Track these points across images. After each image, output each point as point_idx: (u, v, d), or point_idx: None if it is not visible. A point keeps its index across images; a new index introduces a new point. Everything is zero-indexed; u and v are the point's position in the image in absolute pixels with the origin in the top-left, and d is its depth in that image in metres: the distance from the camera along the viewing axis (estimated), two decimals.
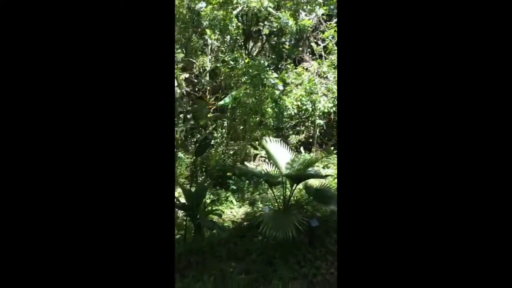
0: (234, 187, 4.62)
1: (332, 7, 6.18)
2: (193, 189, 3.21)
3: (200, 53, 6.06)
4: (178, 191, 4.15)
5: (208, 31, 5.58)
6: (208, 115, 3.56)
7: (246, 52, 6.95)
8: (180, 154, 4.86)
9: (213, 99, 4.71)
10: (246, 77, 5.00)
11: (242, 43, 6.80)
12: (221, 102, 3.81)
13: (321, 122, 5.64)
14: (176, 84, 3.90)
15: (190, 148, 5.41)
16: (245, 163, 4.96)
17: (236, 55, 5.47)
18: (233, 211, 4.24)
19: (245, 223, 3.84)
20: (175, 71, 5.05)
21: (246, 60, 5.29)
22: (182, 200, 3.16)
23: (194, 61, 5.91)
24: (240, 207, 4.35)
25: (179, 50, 6.10)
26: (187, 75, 5.59)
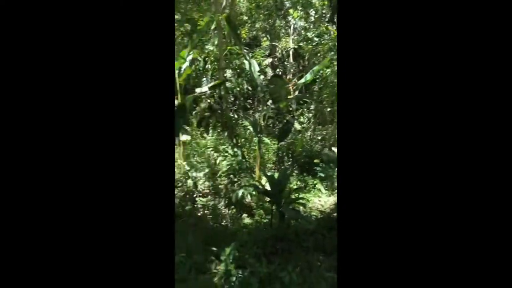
0: (322, 175, 4.30)
1: None
2: (276, 175, 3.12)
3: (282, 35, 5.84)
4: (264, 178, 4.18)
5: (291, 11, 5.29)
6: (289, 96, 3.32)
7: (334, 26, 6.27)
8: (266, 140, 4.86)
9: (294, 79, 4.43)
10: (332, 53, 4.48)
11: (329, 17, 6.17)
12: (302, 80, 3.49)
13: None
14: (258, 69, 3.83)
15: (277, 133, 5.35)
16: (333, 149, 4.53)
17: (321, 30, 4.97)
18: (321, 200, 3.96)
19: (334, 214, 3.50)
20: (258, 57, 5.02)
21: (334, 35, 4.73)
22: (267, 186, 3.12)
23: (277, 44, 5.74)
24: (329, 196, 4.03)
25: (264, 38, 6.07)
26: (270, 60, 5.49)
